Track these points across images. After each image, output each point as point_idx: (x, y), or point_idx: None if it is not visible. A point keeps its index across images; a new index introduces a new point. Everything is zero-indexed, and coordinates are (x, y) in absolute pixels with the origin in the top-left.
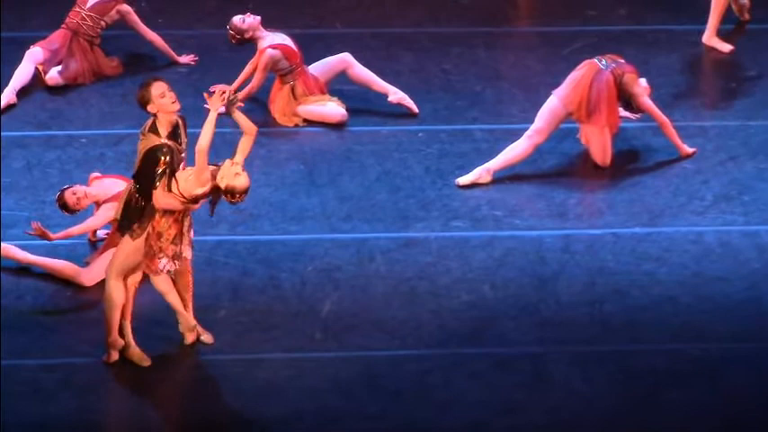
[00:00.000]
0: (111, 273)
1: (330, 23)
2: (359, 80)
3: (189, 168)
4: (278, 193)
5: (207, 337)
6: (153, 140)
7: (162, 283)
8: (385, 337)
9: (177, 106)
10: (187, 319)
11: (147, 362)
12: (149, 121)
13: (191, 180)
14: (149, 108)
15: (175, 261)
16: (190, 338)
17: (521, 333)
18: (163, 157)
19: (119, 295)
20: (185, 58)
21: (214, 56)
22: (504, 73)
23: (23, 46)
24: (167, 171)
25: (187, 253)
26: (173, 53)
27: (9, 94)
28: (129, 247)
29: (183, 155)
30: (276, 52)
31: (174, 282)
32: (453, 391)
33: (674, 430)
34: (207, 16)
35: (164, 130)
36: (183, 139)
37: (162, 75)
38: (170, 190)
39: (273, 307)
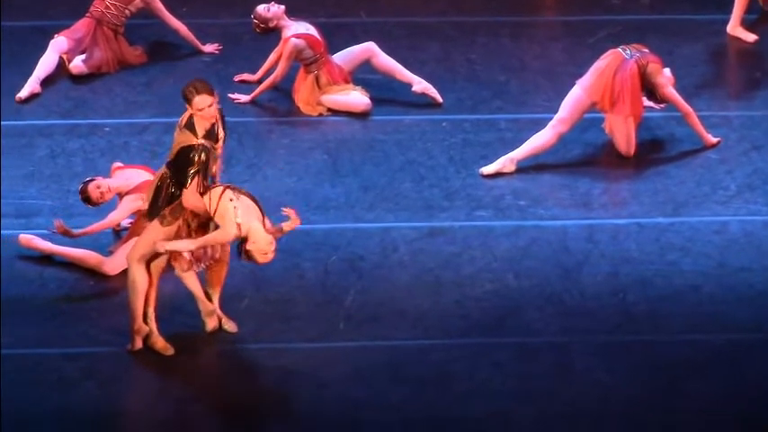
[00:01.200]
0: (133, 257)
1: (354, 12)
2: (383, 69)
3: (234, 205)
4: (301, 182)
5: (230, 326)
6: (189, 139)
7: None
8: (408, 326)
9: (214, 119)
10: (206, 305)
11: (170, 351)
12: (187, 115)
13: (222, 222)
14: (188, 109)
15: (199, 263)
16: (210, 324)
17: (544, 323)
18: (197, 158)
19: (142, 280)
20: (209, 47)
21: (238, 45)
22: (529, 63)
23: (48, 35)
24: (200, 171)
25: (218, 253)
26: (197, 42)
27: (33, 84)
28: (158, 232)
29: (219, 151)
30: (300, 41)
31: (208, 269)
32: (477, 381)
33: (697, 420)
34: (231, 5)
35: (201, 129)
36: (221, 134)
37: (186, 64)
38: (202, 194)
39: (296, 296)
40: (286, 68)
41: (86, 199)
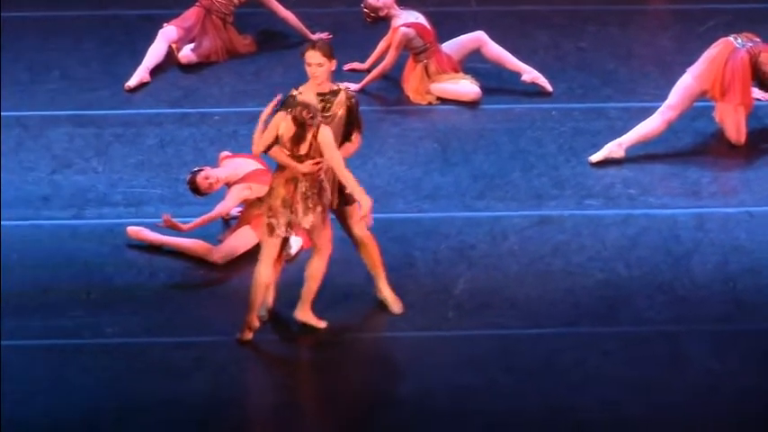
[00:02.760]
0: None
1: (464, 1)
2: (493, 59)
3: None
4: (412, 171)
5: (396, 307)
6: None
7: (265, 249)
8: (518, 315)
9: (314, 79)
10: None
11: (322, 324)
12: None
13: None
14: None
15: (288, 228)
16: (300, 316)
17: (654, 311)
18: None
19: (265, 273)
20: (319, 36)
21: (348, 33)
22: (638, 51)
23: (156, 24)
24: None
25: (306, 222)
26: (306, 31)
27: (142, 73)
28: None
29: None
30: (410, 30)
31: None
32: (587, 370)
33: None
34: None
35: (306, 87)
36: (332, 110)
37: (295, 52)
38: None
39: (407, 285)
40: (395, 57)
41: (195, 189)
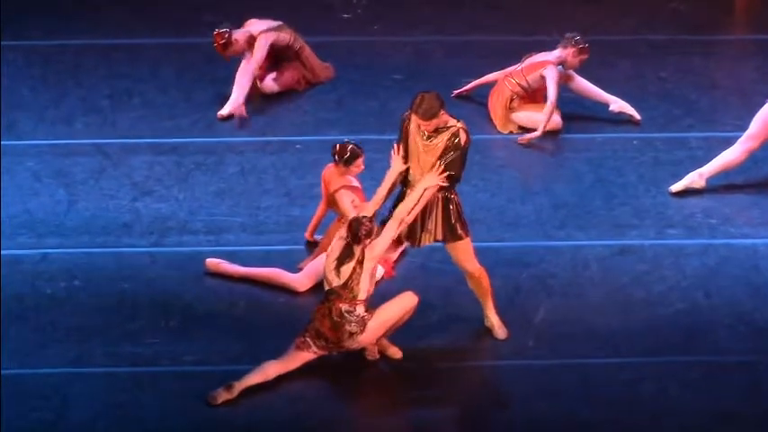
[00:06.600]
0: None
1: (546, 31)
2: (579, 92)
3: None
4: (493, 199)
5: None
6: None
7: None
8: (598, 344)
9: (425, 126)
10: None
11: (398, 354)
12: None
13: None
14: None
15: (327, 348)
16: (369, 356)
17: (734, 341)
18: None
19: (270, 372)
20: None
21: (429, 62)
22: (720, 81)
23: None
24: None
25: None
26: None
27: (257, 75)
28: None
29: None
30: (562, 74)
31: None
32: (667, 400)
33: None
34: (422, 23)
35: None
36: (435, 141)
37: (376, 80)
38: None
39: None
40: (556, 94)
41: (354, 156)
